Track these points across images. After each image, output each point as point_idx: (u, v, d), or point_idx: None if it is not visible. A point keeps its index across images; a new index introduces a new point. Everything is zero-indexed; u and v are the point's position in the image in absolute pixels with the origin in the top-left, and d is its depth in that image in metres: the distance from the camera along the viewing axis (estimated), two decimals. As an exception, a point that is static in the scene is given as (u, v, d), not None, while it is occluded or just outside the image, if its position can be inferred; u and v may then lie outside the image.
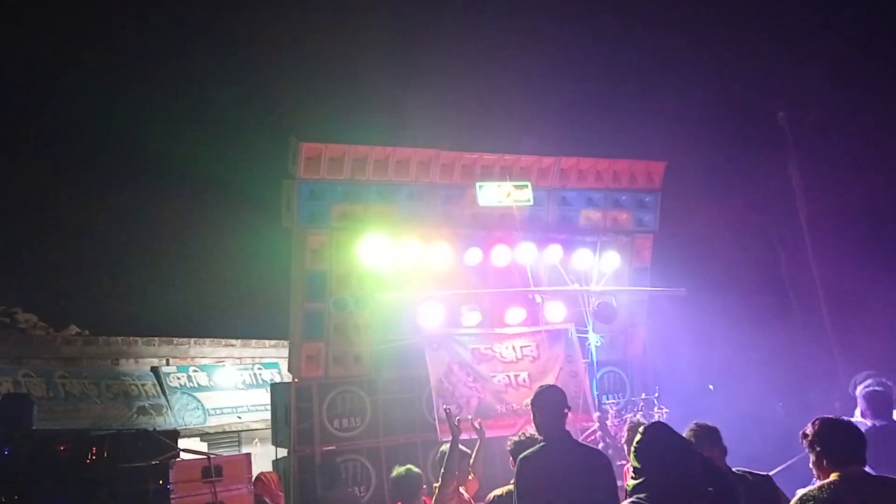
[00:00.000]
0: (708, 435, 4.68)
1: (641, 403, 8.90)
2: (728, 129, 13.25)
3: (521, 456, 4.59)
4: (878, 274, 11.21)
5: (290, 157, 8.67)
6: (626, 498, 3.52)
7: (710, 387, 11.19)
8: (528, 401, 4.93)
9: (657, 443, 3.48)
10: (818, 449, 3.86)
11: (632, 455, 3.51)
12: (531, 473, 4.41)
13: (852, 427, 3.94)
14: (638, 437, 3.52)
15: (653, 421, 3.57)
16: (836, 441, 3.85)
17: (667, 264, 10.46)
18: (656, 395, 8.91)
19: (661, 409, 8.72)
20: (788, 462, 6.62)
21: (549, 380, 9.02)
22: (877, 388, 6.05)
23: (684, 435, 4.22)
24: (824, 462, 3.82)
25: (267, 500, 6.52)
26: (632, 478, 3.48)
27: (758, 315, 12.19)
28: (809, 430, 3.96)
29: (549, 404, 4.67)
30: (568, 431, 4.70)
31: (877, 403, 5.97)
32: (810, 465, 3.95)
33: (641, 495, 3.35)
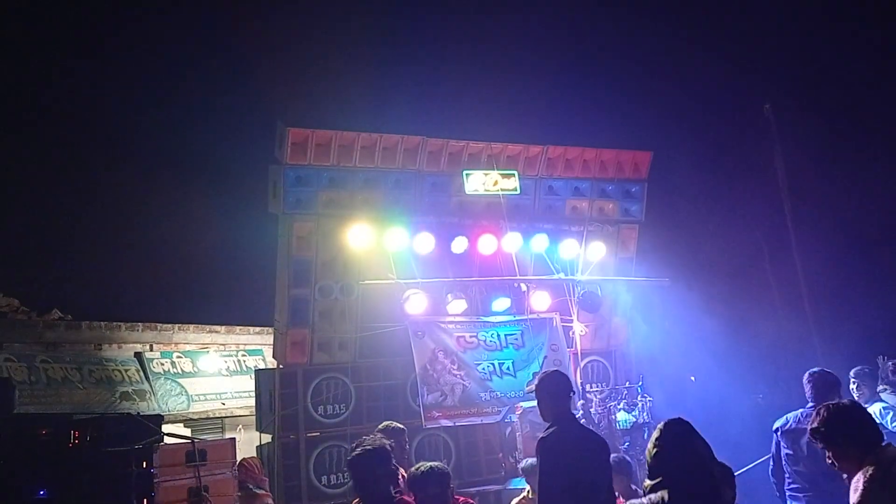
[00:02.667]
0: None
1: (625, 392, 8.98)
2: (714, 121, 13.32)
3: (539, 437, 4.75)
4: (860, 265, 11.35)
5: (276, 143, 8.62)
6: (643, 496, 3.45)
7: (692, 378, 11.28)
8: (533, 385, 5.06)
9: (677, 440, 3.35)
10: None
11: (648, 453, 3.42)
12: (552, 453, 4.56)
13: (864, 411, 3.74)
14: (657, 433, 3.42)
15: (673, 418, 3.43)
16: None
17: (652, 254, 10.51)
18: (640, 383, 8.99)
19: (645, 397, 8.82)
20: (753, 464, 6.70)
21: (534, 368, 9.09)
22: None
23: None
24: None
25: (250, 486, 6.51)
26: (647, 477, 3.41)
27: (741, 306, 12.31)
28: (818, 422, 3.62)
29: (557, 388, 4.82)
30: (573, 413, 4.87)
31: None
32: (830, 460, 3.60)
33: (656, 495, 3.27)
